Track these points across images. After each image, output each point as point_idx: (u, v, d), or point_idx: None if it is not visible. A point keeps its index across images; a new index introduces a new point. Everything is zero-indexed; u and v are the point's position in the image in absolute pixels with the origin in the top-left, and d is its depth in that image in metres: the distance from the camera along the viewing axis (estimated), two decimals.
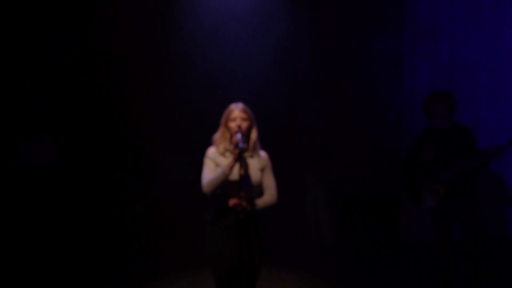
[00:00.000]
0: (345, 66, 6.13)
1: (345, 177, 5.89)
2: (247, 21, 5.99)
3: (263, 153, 3.03)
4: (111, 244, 5.50)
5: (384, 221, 5.87)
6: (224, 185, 2.82)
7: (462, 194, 3.78)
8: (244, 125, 2.91)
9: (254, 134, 2.97)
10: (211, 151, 2.98)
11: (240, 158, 2.78)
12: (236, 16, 5.91)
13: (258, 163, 2.96)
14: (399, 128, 5.94)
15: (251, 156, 2.96)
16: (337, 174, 5.72)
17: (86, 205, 5.83)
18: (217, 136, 2.99)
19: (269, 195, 2.96)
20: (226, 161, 2.89)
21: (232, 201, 2.79)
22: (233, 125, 2.90)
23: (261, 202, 2.91)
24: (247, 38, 5.95)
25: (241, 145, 2.76)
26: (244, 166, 2.89)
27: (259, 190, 2.97)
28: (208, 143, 3.00)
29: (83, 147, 6.02)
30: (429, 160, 3.78)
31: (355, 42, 6.10)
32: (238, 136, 2.81)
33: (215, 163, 2.91)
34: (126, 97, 6.03)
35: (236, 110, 2.94)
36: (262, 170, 2.97)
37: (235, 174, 2.81)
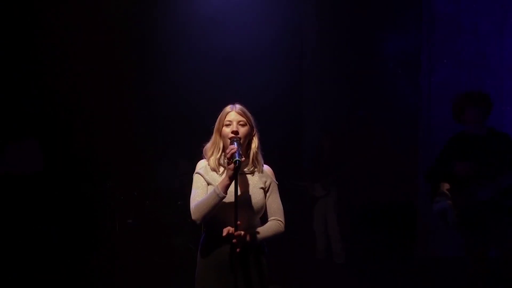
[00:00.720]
0: (355, 65, 5.80)
1: (357, 187, 5.56)
2: (249, 15, 5.53)
3: (266, 168, 2.39)
4: (99, 257, 5.14)
5: (400, 234, 5.50)
6: (217, 209, 2.17)
7: (502, 212, 3.22)
8: (242, 131, 2.25)
9: (255, 144, 2.32)
10: (201, 165, 2.34)
11: (236, 174, 2.12)
12: (235, 8, 5.44)
13: (260, 180, 2.31)
14: (416, 133, 5.60)
15: (251, 172, 2.31)
16: (348, 183, 5.38)
17: (75, 216, 5.51)
18: (208, 146, 2.32)
19: (275, 221, 2.32)
20: (219, 178, 2.22)
21: (226, 230, 2.14)
22: (228, 131, 2.24)
23: (264, 231, 2.26)
24: (248, 34, 5.46)
25: (237, 157, 2.10)
26: (242, 184, 2.25)
27: (261, 215, 2.32)
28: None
29: (72, 154, 5.66)
30: (464, 176, 3.25)
31: (366, 38, 5.76)
32: (234, 145, 2.15)
33: (206, 181, 2.26)
34: (119, 101, 5.68)
35: (232, 113, 2.29)
36: (266, 190, 2.32)
37: (230, 196, 2.16)
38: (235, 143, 2.17)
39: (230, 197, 2.15)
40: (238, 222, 2.11)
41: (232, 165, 2.11)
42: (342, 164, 5.29)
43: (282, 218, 2.31)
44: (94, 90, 5.57)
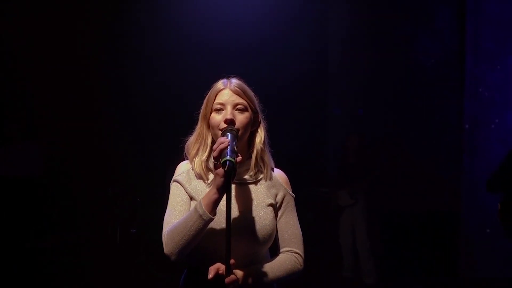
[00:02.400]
0: (387, 59, 5.26)
1: (389, 195, 5.03)
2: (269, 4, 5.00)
3: (278, 174, 1.60)
4: (100, 268, 4.79)
5: (441, 251, 5.05)
6: (201, 238, 1.43)
7: None
8: (241, 119, 1.47)
9: (260, 137, 1.53)
10: (182, 169, 1.57)
11: (228, 183, 1.35)
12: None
13: (268, 193, 1.52)
14: (459, 134, 5.09)
15: (255, 181, 1.52)
16: (379, 191, 4.89)
17: (74, 224, 5.21)
18: (192, 140, 1.55)
19: (289, 255, 1.53)
20: (205, 189, 1.46)
21: (214, 270, 1.38)
22: (218, 119, 1.47)
23: (274, 269, 1.48)
24: (265, 25, 4.91)
25: (228, 155, 1.33)
26: (241, 200, 1.47)
27: (270, 245, 1.54)
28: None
29: (74, 158, 5.36)
30: None
31: (400, 35, 5.26)
32: (226, 138, 1.38)
33: (188, 194, 1.51)
34: (124, 100, 5.34)
35: (226, 91, 1.49)
36: (277, 207, 1.53)
37: (222, 217, 1.39)
38: (228, 135, 1.38)
39: (222, 218, 1.38)
40: (232, 261, 1.33)
41: (221, 169, 1.32)
42: (371, 169, 4.83)
43: (300, 250, 1.51)
44: (97, 91, 5.28)
